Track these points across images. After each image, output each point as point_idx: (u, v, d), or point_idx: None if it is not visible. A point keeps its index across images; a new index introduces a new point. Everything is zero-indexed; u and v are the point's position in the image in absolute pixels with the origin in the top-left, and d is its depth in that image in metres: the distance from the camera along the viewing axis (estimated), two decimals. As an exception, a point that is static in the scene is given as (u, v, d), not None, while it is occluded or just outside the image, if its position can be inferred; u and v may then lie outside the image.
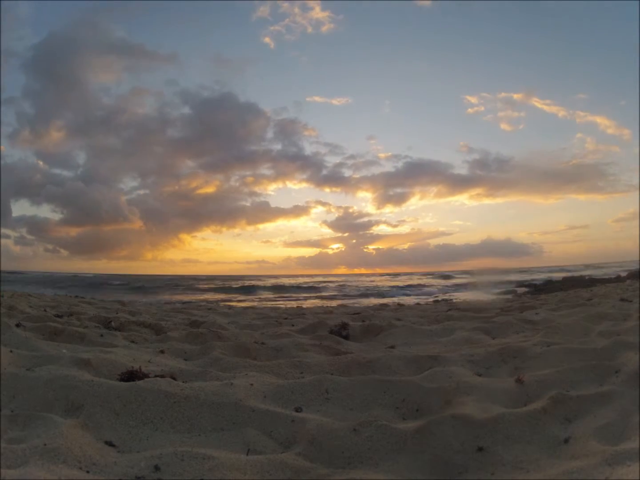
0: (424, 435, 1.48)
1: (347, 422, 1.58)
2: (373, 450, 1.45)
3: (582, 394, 1.73)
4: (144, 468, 1.27)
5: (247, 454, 1.43)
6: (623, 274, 15.67)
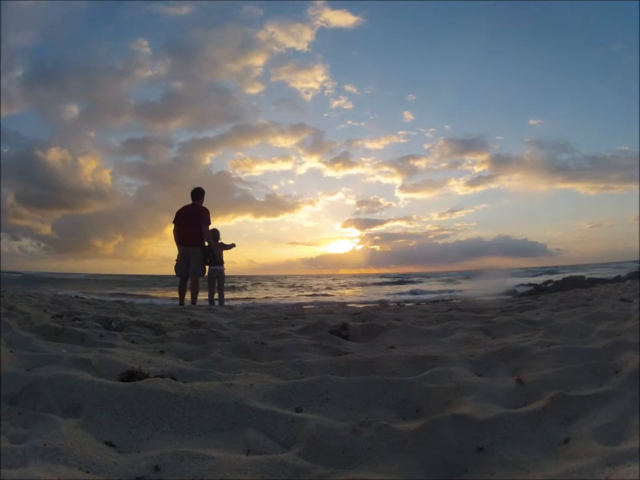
0: (424, 435, 1.48)
1: (347, 422, 1.58)
2: (373, 451, 1.45)
3: (582, 394, 1.73)
4: (144, 468, 1.27)
5: (247, 454, 1.43)
6: (623, 274, 15.68)
